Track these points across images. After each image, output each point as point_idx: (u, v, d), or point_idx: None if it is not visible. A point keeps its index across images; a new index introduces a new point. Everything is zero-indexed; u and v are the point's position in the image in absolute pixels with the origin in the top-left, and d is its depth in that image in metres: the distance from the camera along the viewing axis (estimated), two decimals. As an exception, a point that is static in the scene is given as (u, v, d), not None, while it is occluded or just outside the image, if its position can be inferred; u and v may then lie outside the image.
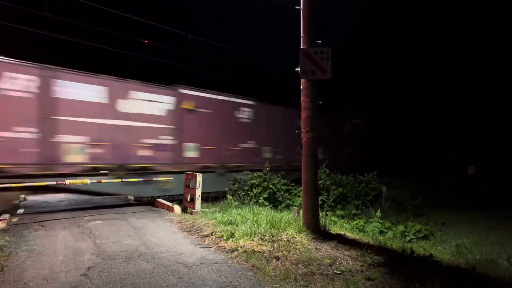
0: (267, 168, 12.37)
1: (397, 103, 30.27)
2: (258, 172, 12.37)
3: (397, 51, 30.23)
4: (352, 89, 28.92)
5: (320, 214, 7.84)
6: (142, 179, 11.13)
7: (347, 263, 5.42)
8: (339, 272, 5.07)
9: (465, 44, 26.80)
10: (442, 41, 28.34)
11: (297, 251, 5.84)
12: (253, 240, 6.37)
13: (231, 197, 10.91)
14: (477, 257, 6.58)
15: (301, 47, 7.37)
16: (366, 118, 23.48)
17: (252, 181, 11.83)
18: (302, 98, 7.37)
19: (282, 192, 11.66)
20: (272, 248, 5.97)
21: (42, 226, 8.22)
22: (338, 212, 10.44)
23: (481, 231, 9.72)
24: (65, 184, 9.34)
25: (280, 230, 6.90)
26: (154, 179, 11.45)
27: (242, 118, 15.00)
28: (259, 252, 5.82)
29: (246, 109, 15.12)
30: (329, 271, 5.13)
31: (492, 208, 13.40)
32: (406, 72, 29.41)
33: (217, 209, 9.81)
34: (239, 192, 11.68)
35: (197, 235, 7.34)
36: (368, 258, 5.54)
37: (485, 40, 25.85)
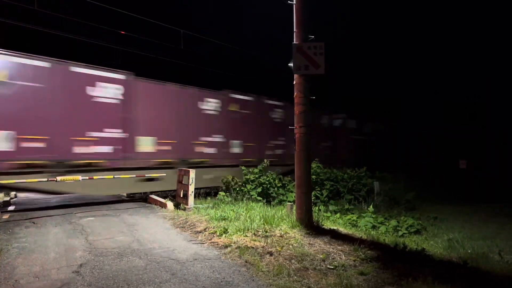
0: (265, 164, 12.34)
1: (389, 97, 30.44)
2: (253, 168, 12.33)
3: (389, 45, 30.34)
4: (343, 82, 28.97)
5: (313, 209, 7.85)
6: (135, 175, 11.06)
7: (340, 258, 5.44)
8: (332, 267, 5.08)
9: (458, 39, 26.97)
10: (436, 35, 28.49)
11: (290, 246, 5.85)
12: (246, 236, 6.37)
13: (223, 193, 10.88)
14: (469, 251, 6.62)
15: (294, 42, 7.34)
16: (358, 113, 23.51)
17: (247, 177, 11.81)
18: (295, 94, 7.35)
19: (275, 188, 11.66)
20: (265, 244, 5.97)
21: (34, 223, 8.14)
22: (331, 207, 10.47)
23: (472, 225, 9.80)
24: (56, 180, 9.24)
25: (274, 225, 6.91)
26: (146, 175, 11.38)
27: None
28: (253, 247, 5.82)
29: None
30: (322, 266, 5.14)
31: (484, 202, 13.52)
32: (399, 66, 29.57)
33: (210, 205, 9.79)
34: (232, 187, 11.66)
35: (190, 231, 7.31)
36: (361, 253, 5.56)
37: (480, 35, 26.02)
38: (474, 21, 25.93)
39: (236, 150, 14.49)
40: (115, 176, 10.50)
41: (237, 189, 11.49)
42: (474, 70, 26.25)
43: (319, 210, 9.39)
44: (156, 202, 10.84)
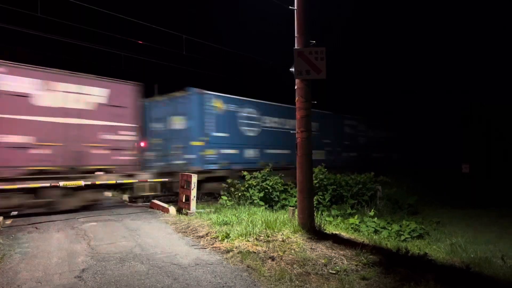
0: (268, 169, 12.33)
1: (393, 101, 30.49)
2: (256, 172, 12.32)
3: (392, 48, 30.40)
4: (346, 85, 29.03)
5: (316, 213, 7.84)
6: (137, 180, 11.09)
7: (342, 262, 5.43)
8: (334, 271, 5.07)
9: (463, 38, 27.02)
10: (439, 35, 28.54)
11: (292, 251, 5.84)
12: (248, 241, 6.36)
13: (225, 198, 10.87)
14: (472, 255, 6.59)
15: (296, 47, 7.36)
16: (363, 116, 23.47)
17: (250, 182, 11.78)
18: (296, 98, 7.37)
19: (278, 192, 11.64)
20: (267, 249, 5.96)
21: (36, 228, 8.17)
22: (334, 212, 10.45)
23: (475, 229, 9.77)
24: (58, 185, 9.27)
25: (276, 230, 6.90)
26: (148, 180, 11.41)
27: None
28: (254, 252, 5.81)
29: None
30: (324, 270, 5.13)
31: (486, 206, 13.47)
32: (402, 68, 29.62)
33: (212, 210, 9.80)
34: (235, 193, 11.65)
35: (192, 236, 7.32)
36: (363, 258, 5.54)
37: (480, 35, 26.07)
38: (473, 21, 26.02)
39: None
40: (118, 181, 10.56)
41: (239, 194, 11.48)
42: (474, 70, 26.30)
43: (321, 214, 9.37)
44: (158, 207, 10.85)
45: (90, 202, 10.70)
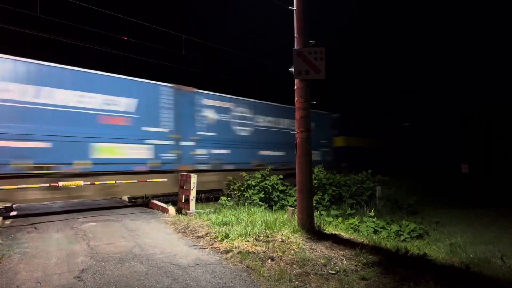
0: (268, 170, 12.32)
1: (392, 101, 30.53)
2: (257, 173, 12.33)
3: (392, 48, 30.40)
4: (345, 86, 29.03)
5: (315, 214, 7.84)
6: (136, 180, 11.08)
7: (341, 263, 5.42)
8: (334, 272, 5.07)
9: (463, 38, 27.07)
10: (439, 35, 28.59)
11: (292, 251, 5.83)
12: (247, 241, 6.36)
13: (225, 198, 10.88)
14: (471, 255, 6.59)
15: (295, 47, 7.36)
16: (362, 115, 23.46)
17: (249, 182, 11.79)
18: (296, 98, 7.36)
19: (277, 192, 11.65)
20: (266, 249, 5.96)
21: (36, 228, 8.16)
22: (333, 212, 10.45)
23: (475, 229, 9.77)
24: (57, 186, 9.26)
25: (275, 230, 6.89)
26: (148, 180, 11.40)
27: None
28: (254, 252, 5.81)
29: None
30: (324, 271, 5.13)
31: (486, 206, 13.47)
32: (401, 68, 29.67)
33: (212, 210, 9.79)
34: (234, 192, 11.65)
35: (192, 236, 7.31)
36: (362, 258, 5.54)
37: (481, 35, 26.10)
38: (473, 21, 26.07)
39: None
40: (117, 181, 10.55)
41: (239, 194, 11.49)
42: (474, 70, 26.35)
43: (321, 214, 9.38)
44: (157, 207, 10.85)
45: None
